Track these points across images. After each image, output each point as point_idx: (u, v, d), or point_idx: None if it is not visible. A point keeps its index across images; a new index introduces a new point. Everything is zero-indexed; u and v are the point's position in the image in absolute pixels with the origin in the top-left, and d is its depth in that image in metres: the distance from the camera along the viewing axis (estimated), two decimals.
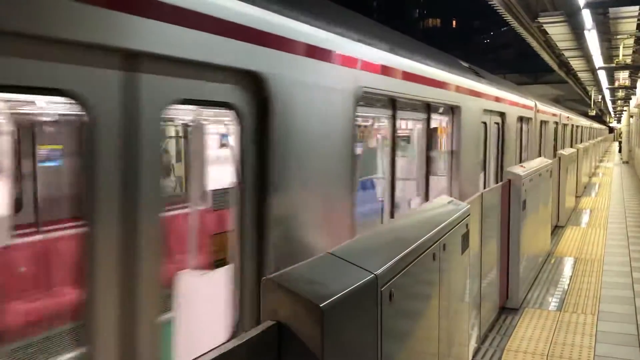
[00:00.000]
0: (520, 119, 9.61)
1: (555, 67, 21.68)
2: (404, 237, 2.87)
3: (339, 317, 1.95)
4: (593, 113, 39.16)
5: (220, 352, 1.63)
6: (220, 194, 6.82)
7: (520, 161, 9.80)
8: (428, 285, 3.03)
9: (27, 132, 5.80)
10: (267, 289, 1.92)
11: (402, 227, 3.19)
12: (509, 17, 12.20)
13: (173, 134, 8.43)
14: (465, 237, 3.85)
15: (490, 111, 7.16)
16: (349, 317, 2.05)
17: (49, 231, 5.69)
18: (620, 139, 46.23)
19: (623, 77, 21.04)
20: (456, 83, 5.59)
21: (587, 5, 8.97)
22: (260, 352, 1.81)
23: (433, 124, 6.14)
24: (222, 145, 7.74)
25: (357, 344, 2.14)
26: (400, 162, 6.05)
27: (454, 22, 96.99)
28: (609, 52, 15.52)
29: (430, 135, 5.56)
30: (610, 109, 46.88)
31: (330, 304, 1.88)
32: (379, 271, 2.28)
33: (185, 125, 7.80)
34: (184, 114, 6.14)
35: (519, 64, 58.78)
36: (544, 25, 12.76)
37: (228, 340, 2.28)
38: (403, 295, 2.55)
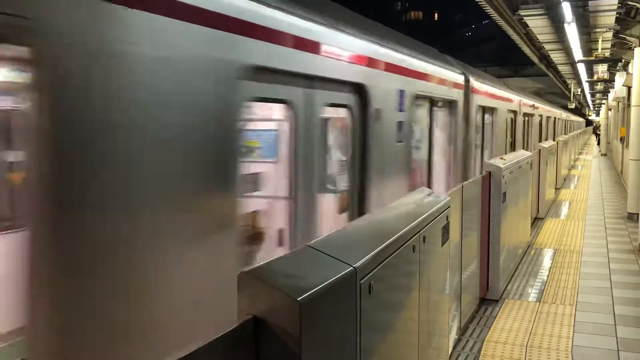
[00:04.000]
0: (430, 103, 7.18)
1: (535, 60, 21.85)
2: (383, 229, 2.85)
3: (317, 311, 1.93)
4: (572, 106, 39.59)
5: (196, 348, 1.60)
6: None
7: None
8: (408, 278, 3.02)
9: None
10: (243, 282, 1.88)
11: (382, 219, 3.17)
12: (489, 10, 12.23)
13: None
14: (446, 229, 3.85)
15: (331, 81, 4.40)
16: (328, 311, 2.03)
17: None
18: (598, 132, 46.85)
19: (602, 70, 21.29)
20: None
21: None
22: (237, 346, 1.78)
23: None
24: None
25: (335, 337, 2.12)
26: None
27: (435, 15, 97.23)
28: (588, 45, 15.67)
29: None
30: (590, 102, 47.44)
31: (308, 297, 1.85)
32: (358, 264, 2.26)
33: None
34: None
35: (500, 57, 59.15)
36: (525, 17, 12.83)
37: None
38: (383, 287, 2.54)
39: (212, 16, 3.05)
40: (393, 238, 2.72)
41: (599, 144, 40.68)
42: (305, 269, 2.09)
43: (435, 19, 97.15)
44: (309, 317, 1.84)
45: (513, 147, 13.42)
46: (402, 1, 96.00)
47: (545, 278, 7.38)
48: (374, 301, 2.42)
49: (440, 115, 7.83)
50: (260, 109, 4.73)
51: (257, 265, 2.03)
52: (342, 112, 4.95)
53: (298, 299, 1.80)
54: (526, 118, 15.59)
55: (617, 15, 12.08)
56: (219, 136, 3.11)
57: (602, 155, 33.85)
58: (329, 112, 4.68)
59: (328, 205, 4.99)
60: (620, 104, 20.55)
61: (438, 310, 3.71)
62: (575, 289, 6.88)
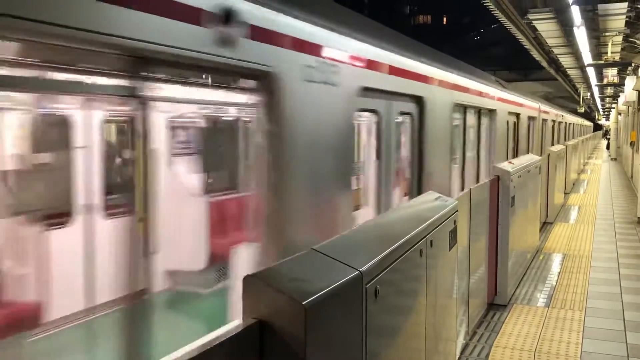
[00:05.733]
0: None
1: (544, 64, 21.75)
2: (390, 234, 2.84)
3: (323, 315, 1.92)
4: (582, 110, 39.37)
5: (201, 351, 1.60)
6: None
7: None
8: (414, 282, 3.00)
9: None
10: (248, 285, 1.88)
11: (389, 223, 3.16)
12: (498, 14, 12.19)
13: None
14: (453, 233, 3.82)
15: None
16: (333, 315, 2.02)
17: None
18: (608, 137, 46.57)
19: (612, 74, 21.14)
20: None
21: (576, 2, 8.98)
22: (242, 350, 1.77)
23: None
24: None
25: (341, 341, 2.11)
26: None
27: (444, 19, 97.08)
28: (598, 49, 15.56)
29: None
30: (599, 106, 47.14)
31: (313, 301, 1.84)
32: (364, 268, 2.25)
33: None
34: None
35: (509, 61, 58.92)
36: (534, 21, 12.76)
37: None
38: (389, 291, 2.52)
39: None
40: (399, 242, 2.70)
41: (608, 148, 40.41)
42: (310, 273, 2.08)
43: (444, 22, 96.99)
44: (314, 320, 1.83)
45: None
46: (411, 5, 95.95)
47: (554, 283, 7.32)
48: (380, 305, 2.41)
49: None
50: None
51: (262, 268, 2.02)
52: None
53: (303, 303, 1.79)
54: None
55: (627, 19, 12.00)
56: None
57: (612, 159, 33.62)
58: None
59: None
60: (630, 108, 20.42)
61: (445, 315, 3.69)
62: (585, 294, 6.82)
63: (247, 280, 1.89)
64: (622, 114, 27.84)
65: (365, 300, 2.25)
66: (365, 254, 2.40)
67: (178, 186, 5.48)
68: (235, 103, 5.58)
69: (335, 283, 2.03)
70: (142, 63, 2.31)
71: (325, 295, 1.93)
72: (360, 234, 2.79)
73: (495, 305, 6.40)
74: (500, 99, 9.12)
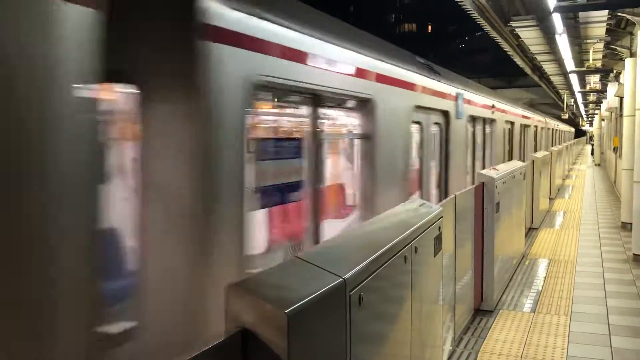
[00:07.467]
0: None
1: (528, 71, 21.95)
2: (374, 240, 2.84)
3: (306, 323, 1.91)
4: (566, 116, 39.82)
5: None
6: None
7: None
8: (399, 288, 3.00)
9: None
10: (231, 294, 1.87)
11: (373, 230, 3.16)
12: (482, 22, 12.30)
13: None
14: (438, 240, 3.84)
15: None
16: (316, 323, 2.01)
17: None
18: (592, 142, 47.11)
19: (594, 80, 21.42)
20: None
21: (557, 10, 9.08)
22: (225, 359, 1.76)
23: None
24: None
25: (325, 349, 2.10)
26: None
27: (429, 27, 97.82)
28: (580, 56, 15.77)
29: None
30: (583, 113, 47.69)
31: (295, 309, 1.83)
32: (348, 275, 2.24)
33: None
34: None
35: (494, 68, 59.54)
36: (516, 29, 12.89)
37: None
38: (373, 298, 2.52)
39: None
40: (384, 249, 2.71)
41: (593, 154, 40.85)
42: (293, 281, 2.07)
43: (429, 31, 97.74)
44: (296, 329, 1.82)
45: None
46: (396, 13, 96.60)
47: (540, 288, 7.36)
48: (365, 313, 2.41)
49: None
50: None
51: (245, 277, 2.01)
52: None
53: (285, 312, 1.79)
54: None
55: (608, 27, 12.18)
56: None
57: (596, 165, 33.98)
58: None
59: None
60: (613, 114, 20.68)
61: (431, 322, 3.69)
62: (570, 299, 6.87)
63: (230, 288, 1.88)
64: (605, 120, 28.17)
65: (349, 307, 2.25)
66: (348, 261, 2.40)
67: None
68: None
69: (318, 291, 2.02)
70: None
71: (308, 303, 1.92)
72: (344, 241, 2.79)
73: (482, 311, 6.42)
74: None
